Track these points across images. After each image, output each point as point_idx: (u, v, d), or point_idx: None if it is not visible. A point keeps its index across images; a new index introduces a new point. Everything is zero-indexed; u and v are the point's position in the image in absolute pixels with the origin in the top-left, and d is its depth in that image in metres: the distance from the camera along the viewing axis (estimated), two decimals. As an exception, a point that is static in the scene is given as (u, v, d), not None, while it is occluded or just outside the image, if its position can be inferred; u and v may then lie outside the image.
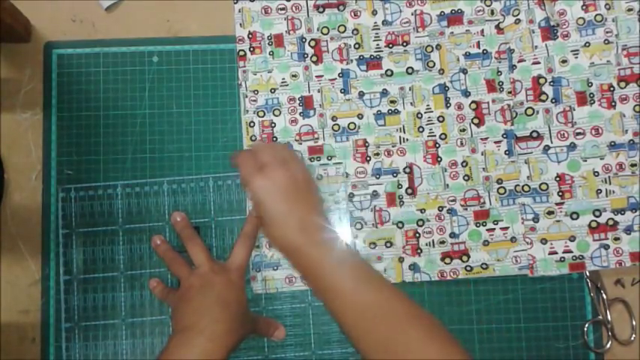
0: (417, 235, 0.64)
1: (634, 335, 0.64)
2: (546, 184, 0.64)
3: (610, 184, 0.63)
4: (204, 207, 0.65)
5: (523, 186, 0.64)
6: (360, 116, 0.65)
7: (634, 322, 0.64)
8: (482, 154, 0.65)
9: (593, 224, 0.63)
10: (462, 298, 0.64)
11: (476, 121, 0.65)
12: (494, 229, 0.64)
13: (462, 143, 0.65)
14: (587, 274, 0.64)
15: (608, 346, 0.64)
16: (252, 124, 0.65)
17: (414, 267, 0.64)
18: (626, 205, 0.63)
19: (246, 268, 0.61)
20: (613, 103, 0.64)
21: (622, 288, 0.65)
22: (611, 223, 0.63)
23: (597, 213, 0.63)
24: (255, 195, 0.57)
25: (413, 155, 0.65)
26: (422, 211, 0.65)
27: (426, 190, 0.65)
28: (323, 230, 0.57)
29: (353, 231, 0.64)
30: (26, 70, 0.66)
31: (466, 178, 0.65)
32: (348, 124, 0.65)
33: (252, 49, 0.66)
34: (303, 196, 0.58)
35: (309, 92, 0.66)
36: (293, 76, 0.66)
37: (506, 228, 0.64)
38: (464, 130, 0.65)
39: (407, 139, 0.65)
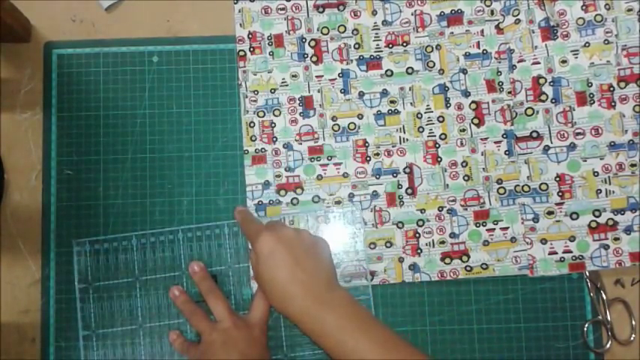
0: (417, 235, 0.64)
1: (634, 335, 0.64)
2: (546, 184, 0.64)
3: (610, 184, 0.63)
4: (221, 254, 0.64)
5: (523, 186, 0.64)
6: (360, 116, 0.65)
7: (634, 322, 0.64)
8: (482, 154, 0.65)
9: (593, 224, 0.63)
10: (462, 298, 0.64)
11: (476, 121, 0.65)
12: (494, 229, 0.64)
13: (461, 143, 0.65)
14: (587, 274, 0.64)
15: (608, 346, 0.64)
16: (252, 125, 0.65)
17: (413, 267, 0.64)
18: (625, 205, 0.63)
19: (267, 323, 0.61)
20: (613, 104, 0.64)
21: (622, 288, 0.65)
22: (610, 223, 0.63)
23: (597, 213, 0.63)
24: (259, 254, 0.57)
25: (413, 155, 0.65)
26: (422, 211, 0.65)
27: (426, 190, 0.65)
28: (330, 290, 0.56)
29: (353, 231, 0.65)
30: (26, 70, 0.66)
31: (466, 178, 0.65)
32: (348, 124, 0.65)
33: (252, 49, 0.66)
34: (311, 258, 0.57)
35: (309, 92, 0.66)
36: (293, 76, 0.66)
37: (506, 228, 0.64)
38: (464, 130, 0.65)
39: (407, 139, 0.65)
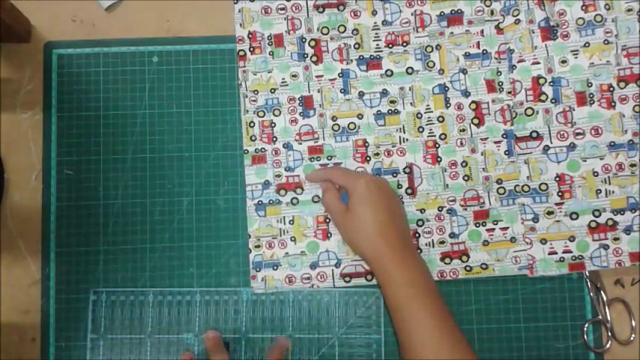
0: (417, 235, 0.64)
1: (633, 335, 0.64)
2: (546, 184, 0.64)
3: (609, 184, 0.63)
4: (237, 322, 0.64)
5: (523, 186, 0.64)
6: (360, 116, 0.65)
7: (633, 322, 0.64)
8: (482, 154, 0.65)
9: (593, 224, 0.63)
10: (462, 298, 0.64)
11: (476, 121, 0.65)
12: (494, 229, 0.64)
13: (461, 143, 0.65)
14: (587, 274, 0.64)
15: (608, 346, 0.64)
16: (252, 124, 0.65)
17: None
18: (625, 205, 0.63)
19: None
20: (613, 104, 0.64)
21: (622, 288, 0.65)
22: (610, 223, 0.63)
23: (597, 213, 0.63)
24: (356, 194, 0.59)
25: (413, 155, 0.65)
26: (422, 211, 0.65)
27: (425, 190, 0.65)
28: (406, 246, 0.59)
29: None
30: (26, 70, 0.66)
31: (466, 178, 0.65)
32: (348, 124, 0.65)
33: (252, 49, 0.66)
34: (399, 214, 0.60)
35: (309, 92, 0.66)
36: (293, 76, 0.66)
37: (506, 228, 0.64)
38: (464, 130, 0.65)
39: (407, 139, 0.65)
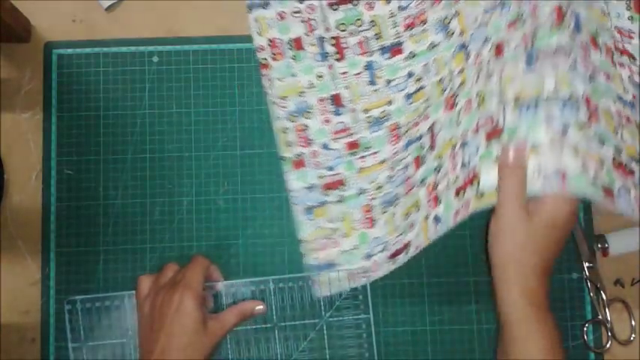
0: (436, 184, 0.60)
1: (633, 335, 0.64)
2: (575, 97, 0.55)
3: (623, 128, 0.57)
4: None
5: (547, 97, 0.55)
6: (390, 103, 0.65)
7: (633, 322, 0.64)
8: (498, 78, 0.57)
9: (617, 160, 0.55)
10: (462, 298, 0.65)
11: (495, 55, 0.59)
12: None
13: (477, 77, 0.60)
14: (587, 274, 0.64)
15: (608, 346, 0.64)
16: (285, 131, 0.65)
17: (436, 219, 0.59)
18: (637, 156, 0.57)
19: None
20: (614, 65, 0.61)
21: (622, 288, 0.65)
22: (628, 168, 0.56)
23: (618, 150, 0.56)
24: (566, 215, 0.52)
25: (436, 114, 0.63)
26: (439, 157, 0.61)
27: (442, 139, 0.62)
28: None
29: (390, 209, 0.64)
30: (26, 70, 0.66)
31: (479, 106, 0.58)
32: (380, 113, 0.65)
33: (273, 55, 0.66)
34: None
35: (337, 90, 0.65)
36: (319, 76, 0.65)
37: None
38: (481, 69, 0.60)
39: (430, 105, 0.64)
